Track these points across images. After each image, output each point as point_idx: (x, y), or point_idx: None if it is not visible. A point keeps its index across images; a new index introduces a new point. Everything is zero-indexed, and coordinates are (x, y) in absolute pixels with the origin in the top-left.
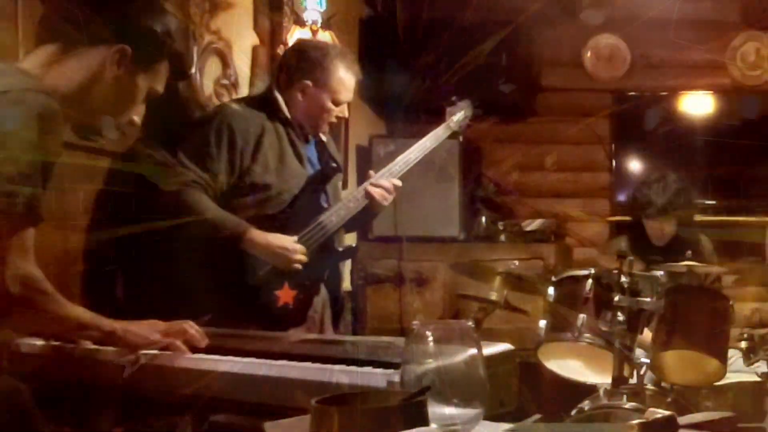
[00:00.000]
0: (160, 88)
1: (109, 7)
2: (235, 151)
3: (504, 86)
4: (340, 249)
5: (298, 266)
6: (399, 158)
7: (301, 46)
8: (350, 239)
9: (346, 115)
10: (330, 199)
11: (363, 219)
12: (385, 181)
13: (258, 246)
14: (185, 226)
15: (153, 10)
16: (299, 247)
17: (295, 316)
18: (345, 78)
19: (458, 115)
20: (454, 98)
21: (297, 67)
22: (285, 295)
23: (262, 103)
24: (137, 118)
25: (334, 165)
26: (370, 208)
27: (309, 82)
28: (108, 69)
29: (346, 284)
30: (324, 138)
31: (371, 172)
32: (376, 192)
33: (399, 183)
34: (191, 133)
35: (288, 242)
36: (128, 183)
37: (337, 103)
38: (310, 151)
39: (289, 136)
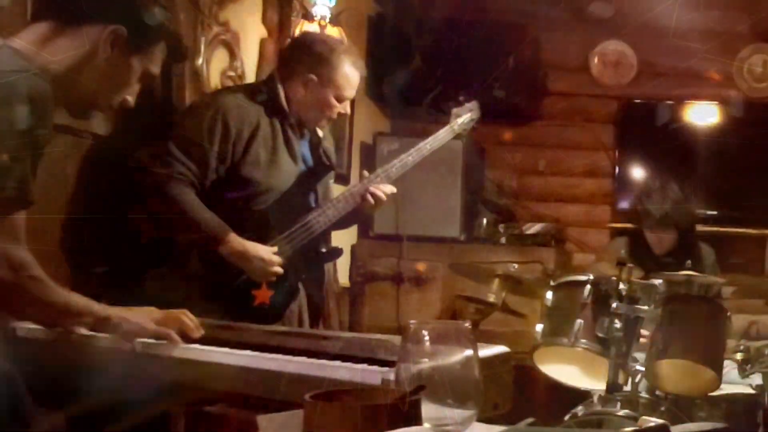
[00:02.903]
0: (155, 69)
1: None
2: (227, 144)
3: (497, 92)
4: (324, 251)
5: (272, 278)
6: (395, 160)
7: (306, 39)
8: (350, 237)
9: (348, 111)
10: (319, 198)
11: (352, 219)
12: (382, 188)
13: (235, 253)
14: (165, 219)
15: None
16: (276, 258)
17: (270, 315)
18: (350, 74)
19: (463, 118)
20: (461, 98)
21: (301, 61)
22: (262, 294)
23: (260, 94)
24: (131, 98)
25: (327, 163)
26: (361, 211)
27: (314, 77)
28: (101, 49)
29: (344, 281)
30: (321, 133)
31: (365, 172)
32: (371, 199)
33: (394, 190)
34: (183, 122)
35: (265, 252)
36: (113, 168)
37: (340, 100)
38: (304, 147)
39: (284, 131)
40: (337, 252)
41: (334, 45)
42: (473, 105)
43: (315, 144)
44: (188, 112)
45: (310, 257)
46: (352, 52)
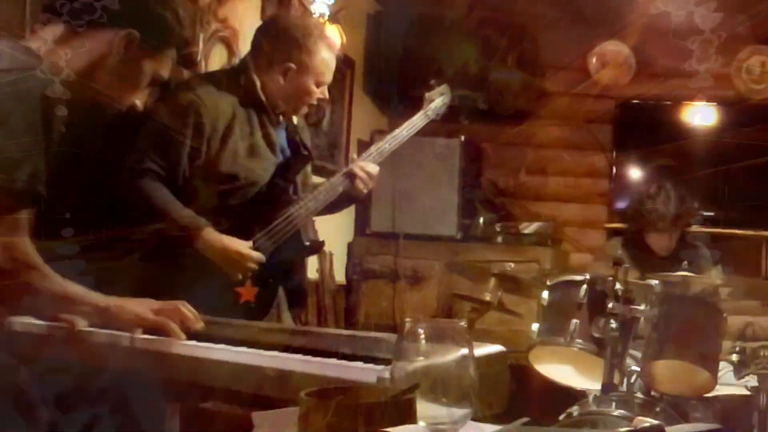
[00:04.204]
0: (165, 74)
1: None
2: (201, 138)
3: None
4: (308, 243)
5: (249, 274)
6: (372, 148)
7: (280, 24)
8: (347, 234)
9: (327, 96)
10: (299, 189)
11: (343, 204)
12: (366, 168)
13: (211, 248)
14: (138, 216)
15: None
16: (255, 254)
17: (255, 313)
18: (328, 58)
19: (436, 102)
20: (432, 82)
21: (278, 48)
22: (247, 292)
23: (234, 83)
24: (139, 102)
25: (305, 153)
26: (350, 193)
27: (293, 65)
28: (114, 52)
29: (341, 278)
30: (296, 121)
31: (353, 156)
32: (360, 175)
33: (377, 168)
34: (155, 114)
35: (243, 247)
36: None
37: (319, 85)
38: (282, 137)
39: (261, 121)
40: (319, 244)
41: (310, 29)
42: (444, 89)
43: (292, 133)
44: (160, 104)
45: (292, 251)
46: (326, 33)
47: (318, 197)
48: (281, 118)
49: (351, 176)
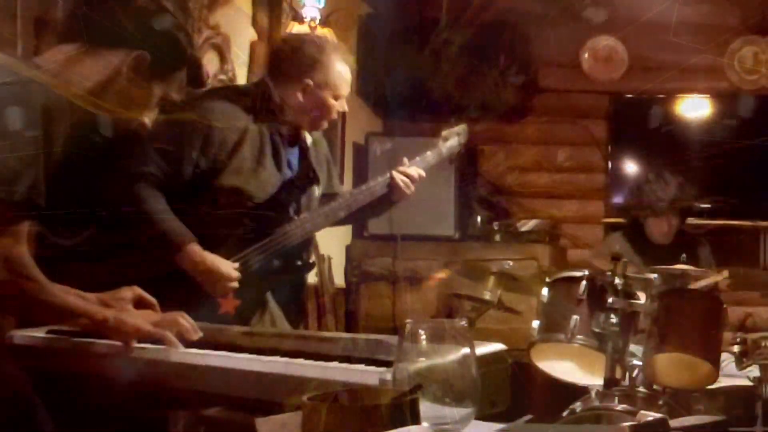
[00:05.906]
0: (175, 95)
1: (133, 14)
2: (209, 151)
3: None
4: (299, 263)
5: (228, 294)
6: (370, 182)
7: (294, 42)
8: (345, 237)
9: (346, 109)
10: (302, 209)
11: (380, 208)
12: (412, 170)
13: (190, 264)
14: (129, 220)
15: (176, 19)
16: (235, 274)
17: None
18: (343, 71)
19: (451, 142)
20: (453, 119)
21: (293, 66)
22: (227, 304)
23: (251, 100)
24: (148, 120)
25: (311, 176)
26: (391, 197)
27: (310, 82)
28: (125, 73)
29: (340, 281)
30: (309, 140)
31: (405, 159)
32: (400, 180)
33: (422, 173)
34: (166, 121)
35: (223, 266)
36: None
37: (337, 99)
38: (293, 155)
39: (273, 139)
40: (310, 266)
41: (323, 44)
42: (461, 129)
43: (304, 152)
44: (173, 111)
45: (281, 269)
46: (340, 47)
47: (316, 220)
48: (295, 137)
49: (391, 183)
